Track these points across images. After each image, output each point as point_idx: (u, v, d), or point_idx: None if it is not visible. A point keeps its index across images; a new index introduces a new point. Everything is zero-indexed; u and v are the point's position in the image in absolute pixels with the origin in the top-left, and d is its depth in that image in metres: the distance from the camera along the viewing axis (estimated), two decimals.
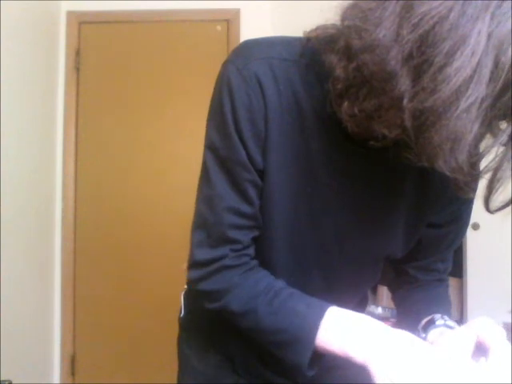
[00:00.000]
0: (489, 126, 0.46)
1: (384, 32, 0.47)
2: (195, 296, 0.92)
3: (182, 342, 0.94)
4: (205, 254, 0.69)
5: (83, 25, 2.78)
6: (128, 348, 2.73)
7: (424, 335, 0.70)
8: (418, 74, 0.46)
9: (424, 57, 0.45)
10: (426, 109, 0.45)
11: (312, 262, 0.75)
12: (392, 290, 0.91)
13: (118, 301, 2.74)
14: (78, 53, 2.76)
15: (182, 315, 0.95)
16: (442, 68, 0.44)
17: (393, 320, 2.20)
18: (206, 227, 0.69)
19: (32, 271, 2.45)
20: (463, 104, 0.43)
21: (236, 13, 2.73)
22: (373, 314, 2.25)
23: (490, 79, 0.43)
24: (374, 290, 2.37)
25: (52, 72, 2.70)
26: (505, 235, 2.16)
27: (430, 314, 0.74)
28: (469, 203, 0.77)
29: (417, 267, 0.83)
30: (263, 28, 2.63)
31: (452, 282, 2.36)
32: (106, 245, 2.76)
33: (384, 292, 2.32)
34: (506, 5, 0.43)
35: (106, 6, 2.74)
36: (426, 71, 0.45)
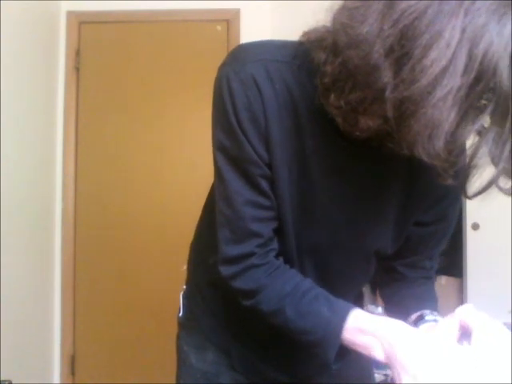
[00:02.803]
0: (465, 114, 0.48)
1: (367, 28, 0.51)
2: (195, 296, 0.93)
3: (180, 340, 0.95)
4: (232, 250, 0.73)
5: (83, 25, 2.78)
6: (128, 348, 2.73)
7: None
8: (398, 66, 0.49)
9: (404, 50, 0.48)
10: (406, 99, 0.48)
11: (307, 257, 0.77)
12: (380, 287, 0.92)
13: (117, 301, 2.74)
14: (78, 53, 2.76)
15: (180, 315, 0.96)
16: (420, 60, 0.47)
17: None
18: (229, 224, 0.72)
19: (32, 271, 2.45)
20: (439, 93, 0.46)
21: (236, 13, 2.73)
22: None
23: (465, 70, 0.46)
24: (374, 290, 2.36)
25: (52, 72, 2.70)
26: (505, 235, 2.16)
27: (418, 310, 0.76)
28: (455, 204, 0.80)
29: (405, 264, 0.85)
30: (263, 28, 2.63)
31: (452, 282, 2.36)
32: (105, 245, 2.76)
33: None
34: (479, 2, 0.46)
35: (106, 6, 2.74)
36: (406, 63, 0.48)
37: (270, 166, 0.69)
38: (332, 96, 0.59)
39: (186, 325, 0.95)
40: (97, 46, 2.78)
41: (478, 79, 0.46)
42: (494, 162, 0.49)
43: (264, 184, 0.70)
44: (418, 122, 0.48)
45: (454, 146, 0.50)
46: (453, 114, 0.47)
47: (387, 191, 0.74)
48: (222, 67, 0.69)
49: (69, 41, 2.76)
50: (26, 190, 2.37)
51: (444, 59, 0.46)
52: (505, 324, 0.66)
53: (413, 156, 0.60)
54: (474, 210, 2.18)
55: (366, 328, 0.64)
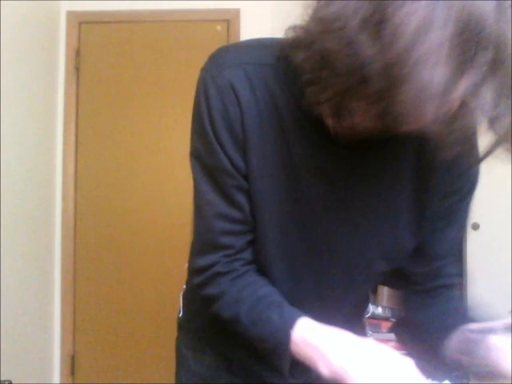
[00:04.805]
0: (455, 71, 0.43)
1: (336, 6, 0.47)
2: (193, 297, 0.92)
3: (179, 341, 0.94)
4: (200, 261, 0.72)
5: (83, 25, 2.78)
6: (128, 348, 2.73)
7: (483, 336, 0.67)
8: (376, 35, 0.45)
9: (377, 16, 0.44)
10: (388, 66, 0.44)
11: (303, 266, 0.74)
12: (403, 301, 0.87)
13: (117, 301, 2.74)
14: (78, 53, 2.76)
15: (180, 315, 0.95)
16: (394, 20, 0.43)
17: (393, 320, 2.20)
18: (199, 235, 0.72)
19: (32, 271, 2.45)
20: (419, 50, 0.42)
21: (236, 13, 2.73)
22: (373, 314, 2.25)
23: (445, 22, 0.42)
24: (374, 290, 2.36)
25: (52, 72, 2.70)
26: (505, 235, 2.16)
27: (455, 326, 0.71)
28: (466, 198, 0.76)
29: (426, 273, 0.80)
30: (263, 28, 2.62)
31: None
32: (105, 245, 2.76)
33: (384, 292, 2.31)
34: None
35: (106, 6, 2.74)
36: (384, 29, 0.44)
37: (248, 177, 0.67)
38: (316, 91, 0.54)
39: (185, 326, 0.94)
40: (97, 46, 2.78)
41: (461, 30, 0.42)
42: (492, 120, 0.45)
43: (238, 196, 0.67)
44: (404, 87, 0.43)
45: (450, 109, 0.45)
46: (440, 73, 0.42)
47: (389, 195, 0.70)
48: (201, 71, 0.66)
49: (69, 41, 2.76)
50: (26, 189, 2.36)
51: (418, 14, 0.42)
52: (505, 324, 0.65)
53: (418, 151, 0.56)
54: (474, 209, 2.18)
55: (312, 340, 0.61)
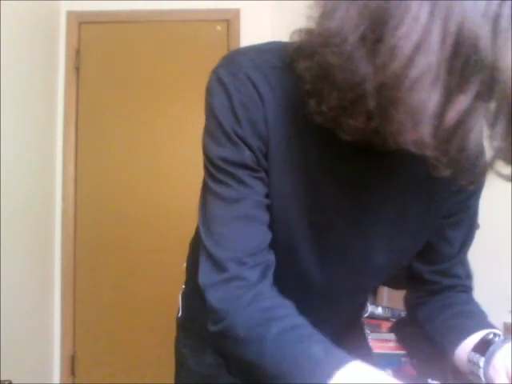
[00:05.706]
0: (450, 94, 0.43)
1: (337, 21, 0.48)
2: (192, 297, 0.91)
3: (178, 341, 0.94)
4: (219, 253, 0.65)
5: (83, 25, 2.78)
6: (128, 348, 2.73)
7: (483, 359, 0.65)
8: (373, 53, 0.45)
9: (375, 35, 0.45)
10: (382, 86, 0.44)
11: (313, 268, 0.73)
12: (410, 303, 0.86)
13: (117, 301, 2.74)
14: (78, 53, 2.77)
15: (179, 315, 0.95)
16: (390, 41, 0.43)
17: (393, 320, 2.20)
18: (210, 223, 0.67)
19: (32, 271, 2.45)
20: (414, 73, 0.42)
21: (236, 13, 2.73)
22: (373, 314, 2.25)
23: (441, 45, 0.42)
24: (374, 290, 2.36)
25: (52, 72, 2.70)
26: (505, 235, 2.16)
27: (468, 329, 0.70)
28: (474, 196, 0.75)
29: (435, 272, 0.80)
30: (263, 28, 2.63)
31: None
32: (105, 245, 2.76)
33: (384, 292, 2.31)
34: None
35: (106, 6, 2.74)
36: (380, 49, 0.44)
37: (268, 176, 0.64)
38: (313, 102, 0.55)
39: (185, 326, 0.93)
40: (97, 45, 2.79)
41: (457, 53, 0.42)
42: (488, 141, 0.45)
43: (258, 187, 0.64)
44: (397, 109, 0.44)
45: (444, 131, 0.44)
46: (435, 95, 0.42)
47: (401, 198, 0.69)
48: (215, 70, 0.64)
49: (69, 41, 2.77)
50: (26, 190, 2.36)
51: (414, 35, 0.42)
52: (505, 324, 0.65)
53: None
54: None
55: None
